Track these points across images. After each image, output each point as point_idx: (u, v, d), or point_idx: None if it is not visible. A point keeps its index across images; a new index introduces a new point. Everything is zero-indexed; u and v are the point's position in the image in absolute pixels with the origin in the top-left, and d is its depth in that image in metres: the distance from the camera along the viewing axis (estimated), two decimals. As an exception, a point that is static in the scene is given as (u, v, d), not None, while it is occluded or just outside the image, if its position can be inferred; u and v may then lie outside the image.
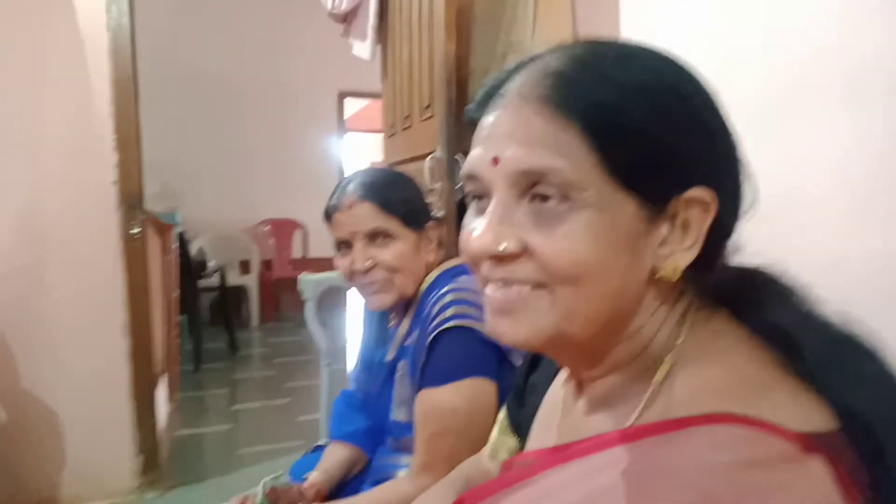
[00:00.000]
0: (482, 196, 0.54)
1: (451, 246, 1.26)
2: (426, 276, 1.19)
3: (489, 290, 0.54)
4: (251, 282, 5.48)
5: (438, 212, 1.23)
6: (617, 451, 0.49)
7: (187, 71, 5.28)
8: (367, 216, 1.13)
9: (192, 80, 5.32)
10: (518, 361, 1.07)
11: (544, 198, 0.49)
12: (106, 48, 2.26)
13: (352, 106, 6.55)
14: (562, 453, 0.55)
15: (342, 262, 1.17)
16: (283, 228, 5.78)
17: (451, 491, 0.89)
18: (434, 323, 1.06)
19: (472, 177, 0.54)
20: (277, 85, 5.63)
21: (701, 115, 0.51)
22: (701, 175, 0.50)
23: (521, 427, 0.76)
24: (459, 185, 1.90)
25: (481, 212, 0.53)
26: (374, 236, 1.14)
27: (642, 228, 0.49)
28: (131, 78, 2.30)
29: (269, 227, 5.72)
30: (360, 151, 9.80)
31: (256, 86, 5.57)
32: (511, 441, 0.80)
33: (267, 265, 5.70)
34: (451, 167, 1.71)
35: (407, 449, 1.19)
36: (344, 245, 1.16)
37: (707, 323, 0.53)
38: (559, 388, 0.67)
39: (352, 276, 1.16)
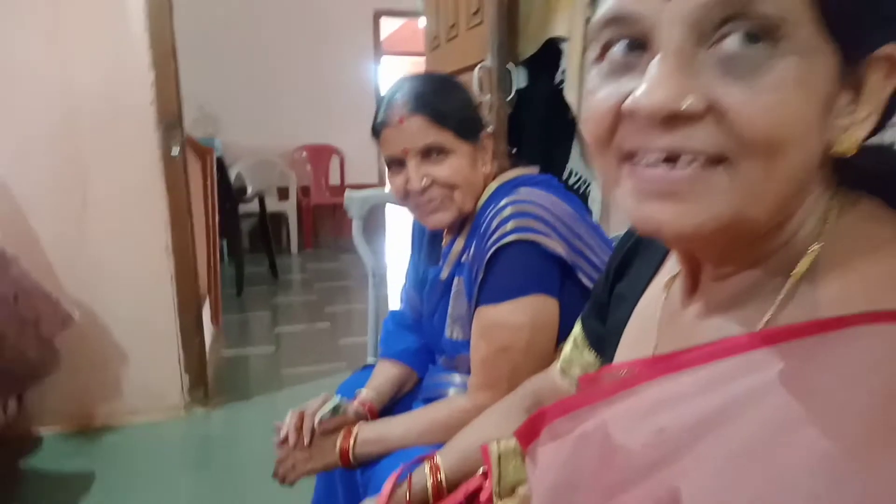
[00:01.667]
0: (635, 42, 0.42)
1: (503, 158, 1.18)
2: (483, 189, 1.12)
3: (644, 168, 0.43)
4: (290, 208, 5.47)
5: (488, 126, 1.14)
6: (753, 355, 0.42)
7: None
8: (420, 131, 1.05)
9: (226, 4, 5.18)
10: (586, 277, 1.02)
11: (750, 38, 0.38)
12: (138, -40, 2.16)
13: (387, 27, 6.34)
14: (668, 362, 0.49)
15: (395, 181, 1.10)
16: (321, 154, 5.72)
17: (519, 408, 0.85)
18: (493, 238, 0.99)
19: (620, 19, 0.42)
20: (311, 5, 5.45)
21: None
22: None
23: (602, 342, 0.71)
24: (511, 96, 1.79)
25: (620, 70, 0.43)
26: (429, 152, 1.06)
27: (835, 91, 0.40)
28: (165, -9, 2.21)
29: (306, 153, 5.67)
30: (396, 76, 9.57)
31: (290, 7, 5.40)
32: (588, 356, 0.75)
33: (305, 192, 5.67)
34: (503, 77, 1.61)
35: (460, 368, 1.15)
36: (396, 163, 1.09)
37: (855, 209, 0.45)
38: (657, 294, 0.60)
39: (406, 196, 1.10)
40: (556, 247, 0.99)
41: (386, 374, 1.27)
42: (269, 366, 3.05)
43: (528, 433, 0.61)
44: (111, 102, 2.22)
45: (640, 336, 0.61)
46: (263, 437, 2.33)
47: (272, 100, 5.47)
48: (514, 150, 1.23)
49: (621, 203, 0.47)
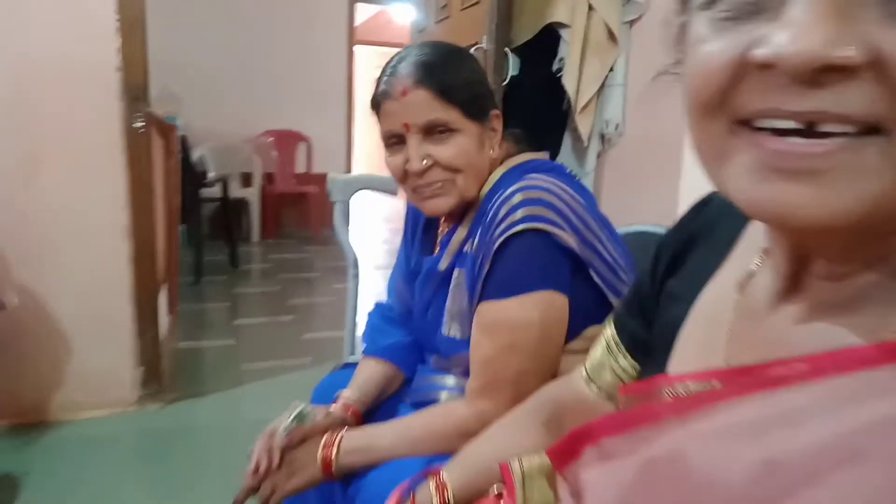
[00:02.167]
0: None
1: (511, 142, 1.08)
2: (489, 175, 1.02)
3: (772, 137, 0.35)
4: (252, 195, 5.28)
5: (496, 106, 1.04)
6: (880, 373, 0.35)
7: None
8: (424, 105, 0.94)
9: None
10: (597, 274, 0.92)
11: None
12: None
13: (359, 15, 6.19)
14: (761, 375, 0.40)
15: (393, 161, 0.99)
16: (287, 141, 5.55)
17: (536, 420, 0.75)
18: (501, 227, 0.89)
19: None
20: (285, -14, 5.27)
21: None
22: None
23: (644, 346, 0.63)
24: (506, 79, 1.69)
25: (744, 13, 0.35)
26: (432, 129, 0.95)
27: None
28: (133, -50, 2.04)
29: (272, 138, 5.48)
30: (367, 65, 9.44)
31: (262, -14, 5.21)
32: (623, 362, 0.66)
33: (269, 178, 5.49)
34: (500, 60, 1.51)
35: (454, 369, 1.05)
36: (395, 139, 0.98)
37: None
38: (724, 294, 0.51)
39: (405, 178, 0.99)
40: (569, 240, 0.89)
41: (369, 373, 1.16)
42: (227, 360, 2.89)
43: (566, 452, 0.52)
44: (73, 66, 2.04)
45: (704, 342, 0.52)
46: (220, 434, 2.21)
47: (239, 82, 5.27)
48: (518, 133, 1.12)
49: (730, 183, 0.39)
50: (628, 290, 0.71)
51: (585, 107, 1.79)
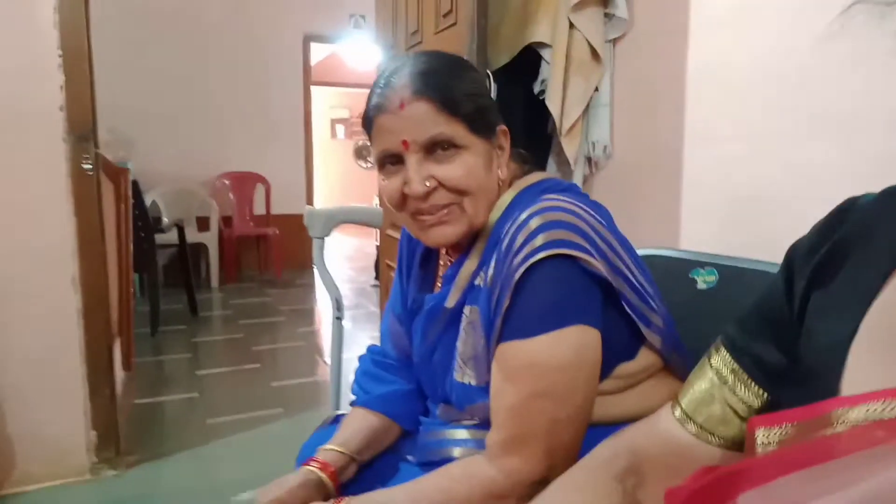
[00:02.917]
0: None
1: (518, 161, 0.97)
2: (497, 198, 0.90)
3: None
4: (210, 240, 5.07)
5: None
6: None
7: (139, 7, 4.78)
8: (425, 120, 0.82)
9: (144, 18, 4.83)
10: (628, 304, 0.81)
11: None
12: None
13: (315, 55, 6.12)
14: None
15: (390, 185, 0.86)
16: (244, 183, 5.38)
17: (607, 474, 0.63)
18: (521, 255, 0.77)
19: None
20: (239, 26, 5.18)
21: None
22: None
23: (777, 370, 0.55)
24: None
25: None
26: (434, 147, 0.84)
27: None
28: (78, -19, 1.91)
29: (229, 180, 5.31)
30: (323, 104, 9.37)
31: (216, 27, 5.10)
32: (745, 394, 0.58)
33: (227, 222, 5.29)
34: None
35: (468, 420, 0.92)
36: (391, 160, 0.86)
37: None
38: None
39: (403, 203, 0.87)
40: (598, 266, 0.78)
41: (356, 425, 1.01)
42: (190, 415, 2.68)
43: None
44: (12, 105, 1.88)
45: (886, 359, 0.45)
46: (186, 500, 2.01)
47: (193, 124, 5.10)
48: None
49: None
50: (747, 306, 0.61)
51: (571, 129, 1.71)
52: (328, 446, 0.97)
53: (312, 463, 0.93)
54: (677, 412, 0.62)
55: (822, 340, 0.49)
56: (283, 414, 2.63)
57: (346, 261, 6.62)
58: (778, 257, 1.12)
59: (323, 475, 0.92)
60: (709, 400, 0.59)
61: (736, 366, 0.59)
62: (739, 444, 0.58)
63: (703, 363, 0.63)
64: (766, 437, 0.45)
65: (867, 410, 0.39)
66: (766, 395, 0.57)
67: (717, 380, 0.60)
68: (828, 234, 0.54)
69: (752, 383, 0.57)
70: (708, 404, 0.59)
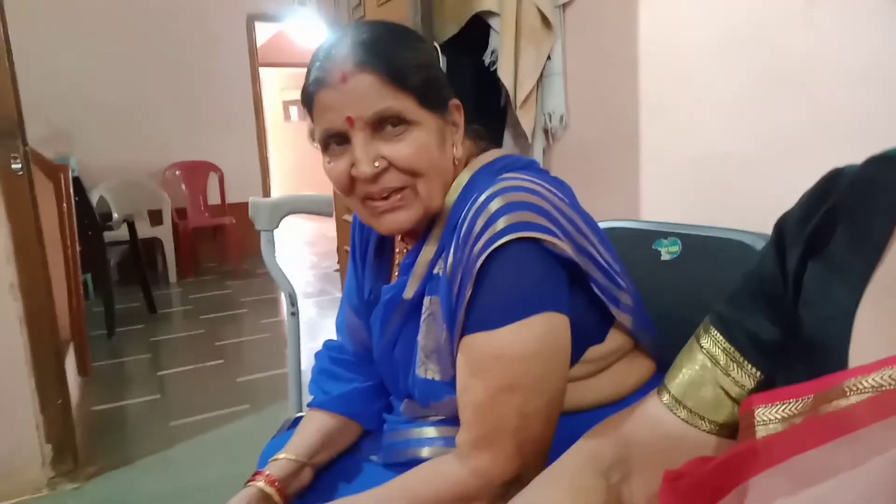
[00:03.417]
0: None
1: (474, 138, 0.91)
2: (454, 179, 0.84)
3: None
4: (164, 233, 4.91)
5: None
6: None
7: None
8: (371, 93, 0.75)
9: (77, 4, 4.59)
10: (596, 284, 0.77)
11: None
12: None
13: (260, 34, 5.92)
14: None
15: (336, 167, 0.80)
16: (196, 172, 5.21)
17: (592, 469, 0.60)
18: (482, 241, 0.72)
19: None
20: (178, 7, 4.95)
21: None
22: None
23: (774, 345, 0.53)
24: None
25: None
26: (382, 123, 0.77)
27: None
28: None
29: (179, 171, 5.13)
30: (272, 86, 9.13)
31: (154, 9, 4.88)
32: (739, 374, 0.56)
33: (181, 214, 5.13)
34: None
35: (434, 417, 0.87)
36: (336, 139, 0.79)
37: None
38: None
39: (351, 187, 0.80)
40: (564, 247, 0.73)
41: (311, 429, 0.96)
42: (153, 418, 2.58)
43: (704, 490, 0.43)
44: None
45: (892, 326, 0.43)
46: (153, 509, 1.94)
47: (136, 113, 4.90)
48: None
49: None
50: (735, 283, 0.59)
51: (526, 100, 1.65)
52: (278, 455, 0.92)
53: (258, 477, 0.88)
54: (665, 398, 0.59)
55: (825, 311, 0.48)
56: (249, 410, 2.56)
57: (307, 246, 6.50)
58: (743, 223, 1.10)
59: (269, 489, 0.86)
60: (699, 382, 0.57)
61: (728, 345, 0.57)
62: (731, 429, 0.56)
63: (690, 346, 0.60)
64: (766, 414, 0.43)
65: (881, 377, 0.38)
66: (759, 374, 0.55)
67: (707, 361, 0.57)
68: (818, 204, 0.52)
69: (746, 362, 0.55)
70: (698, 387, 0.57)
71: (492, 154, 0.87)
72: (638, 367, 0.88)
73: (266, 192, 5.62)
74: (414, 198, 0.79)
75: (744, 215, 1.42)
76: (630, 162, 1.59)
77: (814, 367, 0.46)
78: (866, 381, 0.39)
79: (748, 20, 1.36)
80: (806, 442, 0.37)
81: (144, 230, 4.65)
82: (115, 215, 4.22)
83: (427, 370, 0.83)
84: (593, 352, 0.83)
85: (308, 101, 0.80)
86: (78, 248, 2.94)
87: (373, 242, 0.98)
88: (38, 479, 1.97)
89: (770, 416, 0.43)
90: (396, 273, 0.93)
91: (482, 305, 0.73)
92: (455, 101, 0.84)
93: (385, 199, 0.79)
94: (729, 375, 0.56)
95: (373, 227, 0.84)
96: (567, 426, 0.77)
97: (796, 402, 0.42)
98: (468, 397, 0.75)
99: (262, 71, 5.67)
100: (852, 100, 1.20)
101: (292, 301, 1.30)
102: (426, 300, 0.82)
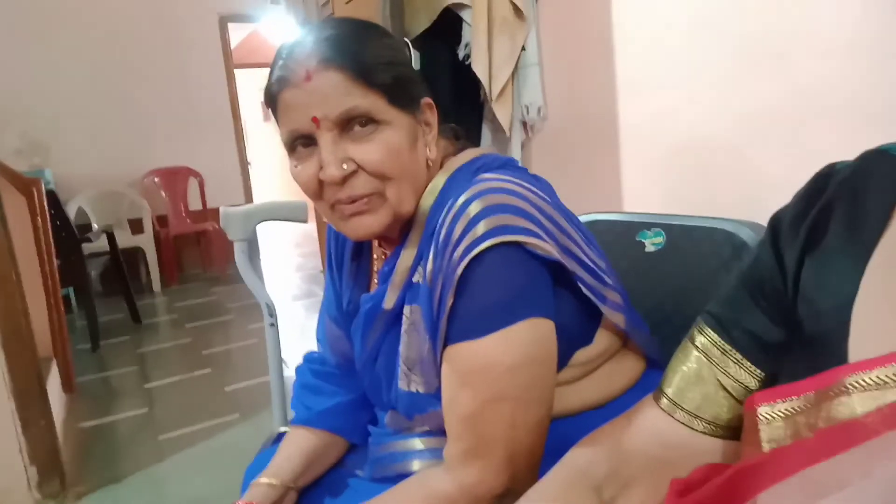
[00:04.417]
0: None
1: (448, 138, 0.88)
2: (429, 181, 0.81)
3: None
4: (146, 242, 4.84)
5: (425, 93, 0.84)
6: None
7: (34, 3, 4.45)
8: (337, 91, 0.72)
9: (43, 12, 4.49)
10: (584, 284, 0.75)
11: None
12: None
13: (234, 35, 5.84)
14: None
15: (303, 170, 0.76)
16: (176, 178, 5.13)
17: (584, 484, 0.58)
18: (462, 247, 0.69)
19: None
20: (148, 12, 4.87)
21: None
22: None
23: (773, 343, 0.53)
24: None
25: None
26: (349, 123, 0.73)
27: None
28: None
29: (158, 178, 5.06)
30: (249, 88, 9.03)
31: (124, 15, 4.79)
32: (736, 370, 0.55)
33: (161, 221, 5.06)
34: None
35: (420, 429, 0.84)
36: (301, 141, 0.76)
37: None
38: None
39: (320, 191, 0.77)
40: (547, 248, 0.71)
41: (294, 448, 0.93)
42: (141, 433, 2.54)
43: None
44: None
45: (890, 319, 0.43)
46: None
47: (111, 121, 4.82)
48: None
49: None
50: (729, 283, 0.58)
51: (501, 93, 1.62)
52: (260, 479, 0.89)
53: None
54: (663, 402, 0.58)
55: (824, 305, 0.47)
56: (239, 419, 2.52)
57: (293, 247, 6.44)
58: (727, 208, 1.08)
59: None
60: (697, 383, 0.56)
61: (727, 345, 0.56)
62: (730, 430, 0.55)
63: (684, 347, 0.59)
64: (769, 412, 0.43)
65: (885, 375, 0.37)
66: (761, 373, 0.54)
67: (705, 361, 0.56)
68: (813, 200, 0.52)
69: (746, 361, 0.54)
70: (697, 388, 0.56)
71: (468, 154, 0.84)
72: (626, 368, 0.86)
73: (248, 194, 5.56)
74: (381, 202, 0.76)
75: (727, 200, 1.41)
76: (610, 151, 1.57)
77: (815, 362, 0.45)
78: (868, 378, 0.38)
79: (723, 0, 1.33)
80: (817, 454, 0.36)
81: (125, 240, 4.58)
82: (95, 226, 4.16)
83: (410, 382, 0.80)
84: (581, 354, 0.80)
85: (272, 101, 0.77)
86: (56, 263, 2.89)
87: (349, 250, 0.95)
88: (25, 502, 1.92)
89: (773, 415, 0.43)
90: (375, 281, 0.90)
91: (465, 314, 0.71)
92: (427, 100, 0.81)
93: (352, 202, 0.76)
94: (728, 375, 0.55)
95: (342, 232, 0.81)
96: (555, 432, 0.75)
97: (798, 398, 0.42)
98: (455, 409, 0.73)
99: (239, 72, 5.60)
100: (832, 76, 1.18)
101: (270, 312, 1.27)
102: (406, 309, 0.79)
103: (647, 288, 1.04)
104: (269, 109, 0.78)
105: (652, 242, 1.10)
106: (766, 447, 0.42)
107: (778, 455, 0.39)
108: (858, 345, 0.43)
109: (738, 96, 1.36)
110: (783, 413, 0.42)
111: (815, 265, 0.50)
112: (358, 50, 0.73)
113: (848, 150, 0.55)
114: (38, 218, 2.67)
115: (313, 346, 1.06)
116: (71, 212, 4.41)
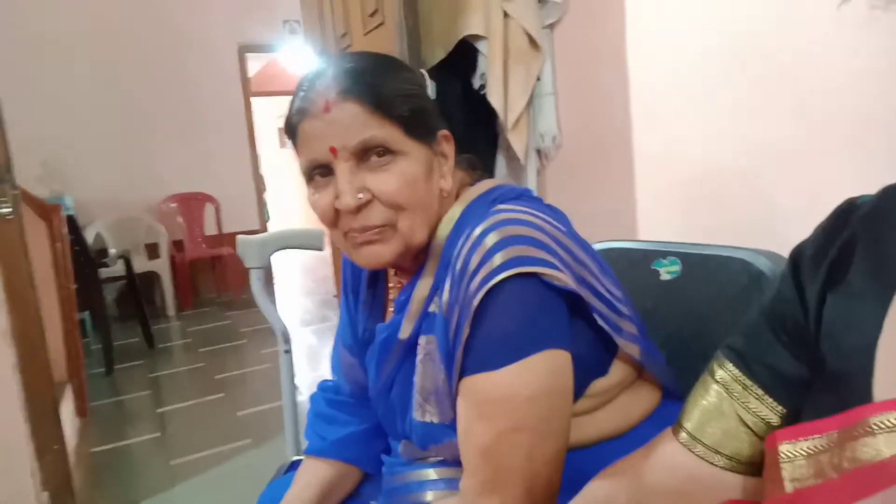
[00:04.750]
0: None
1: (465, 169, 0.89)
2: (445, 212, 0.82)
3: None
4: (162, 266, 4.88)
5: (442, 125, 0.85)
6: None
7: (56, 33, 4.56)
8: (355, 122, 0.73)
9: (62, 44, 4.60)
10: (599, 315, 0.74)
11: None
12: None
13: (251, 66, 5.95)
14: None
15: (320, 199, 0.77)
16: (192, 204, 5.19)
17: None
18: (478, 278, 0.69)
19: None
20: (168, 43, 4.98)
21: None
22: None
23: (794, 379, 0.52)
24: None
25: None
26: (366, 153, 0.74)
27: None
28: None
29: (175, 203, 5.12)
30: (266, 116, 9.17)
31: (143, 45, 4.89)
32: (756, 405, 0.54)
33: (178, 246, 5.11)
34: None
35: (435, 458, 0.84)
36: (319, 171, 0.77)
37: None
38: None
39: (336, 220, 0.78)
40: (564, 279, 0.70)
41: (308, 480, 0.93)
42: (153, 457, 2.54)
43: None
44: None
45: None
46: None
47: (130, 148, 4.90)
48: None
49: None
50: (749, 317, 0.57)
51: (517, 122, 1.64)
52: None
53: None
54: (682, 436, 0.57)
55: (847, 343, 0.47)
56: (251, 445, 2.51)
57: (306, 272, 6.47)
58: (740, 240, 1.07)
59: None
60: (717, 418, 0.55)
61: (748, 380, 0.55)
62: (751, 466, 0.54)
63: (703, 381, 0.58)
64: (791, 450, 0.42)
65: None
66: (782, 408, 0.53)
67: (725, 395, 0.55)
68: (834, 235, 0.51)
69: (767, 396, 0.54)
70: (717, 423, 0.55)
71: (485, 185, 0.85)
72: (642, 398, 0.85)
73: (262, 220, 5.61)
74: (391, 233, 0.77)
75: (742, 228, 1.40)
76: (625, 179, 1.57)
77: (839, 399, 0.44)
78: (894, 419, 0.38)
79: (737, 28, 1.34)
80: (842, 496, 0.35)
81: (142, 264, 4.62)
82: (113, 251, 4.20)
83: (425, 413, 0.80)
84: (597, 385, 0.80)
85: (291, 131, 0.78)
86: (74, 287, 2.92)
87: (365, 278, 0.95)
88: (37, 528, 1.92)
89: (795, 452, 0.42)
90: (391, 310, 0.90)
91: (481, 345, 0.70)
92: (444, 132, 0.82)
93: (364, 231, 0.77)
94: (749, 410, 0.54)
95: (353, 260, 0.81)
96: (571, 463, 0.74)
97: (821, 437, 0.41)
98: (471, 441, 0.72)
99: (256, 99, 5.69)
100: (848, 106, 1.18)
101: (285, 339, 1.27)
102: (422, 339, 0.79)
103: (662, 317, 1.03)
104: (290, 139, 0.80)
105: (668, 271, 1.09)
106: (788, 486, 0.41)
107: (803, 496, 0.38)
108: (883, 384, 0.43)
109: (753, 125, 1.36)
110: (805, 451, 0.41)
111: (838, 303, 0.49)
112: (376, 82, 0.75)
113: (864, 180, 0.54)
114: (58, 244, 2.71)
115: (325, 370, 1.06)
116: (89, 236, 4.46)
